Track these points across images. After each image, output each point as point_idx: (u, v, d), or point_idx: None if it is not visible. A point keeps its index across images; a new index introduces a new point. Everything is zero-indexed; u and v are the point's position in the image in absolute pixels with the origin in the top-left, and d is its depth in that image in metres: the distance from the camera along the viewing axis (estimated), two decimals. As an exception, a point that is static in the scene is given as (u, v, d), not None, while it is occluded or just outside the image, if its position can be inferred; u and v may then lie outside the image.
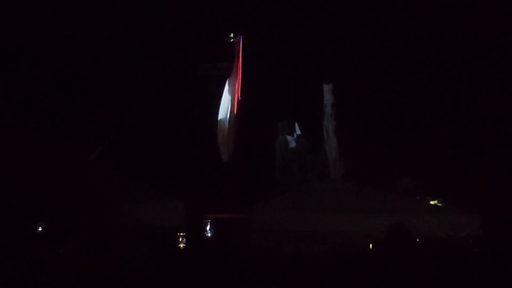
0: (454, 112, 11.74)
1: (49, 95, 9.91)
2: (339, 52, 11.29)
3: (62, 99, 10.13)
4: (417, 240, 6.59)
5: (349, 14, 11.44)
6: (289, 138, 11.52)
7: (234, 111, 9.98)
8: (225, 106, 9.97)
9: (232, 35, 10.64)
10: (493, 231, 5.67)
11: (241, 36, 10.62)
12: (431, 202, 10.93)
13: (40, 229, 5.15)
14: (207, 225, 7.43)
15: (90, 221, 4.29)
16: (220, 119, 9.98)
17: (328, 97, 10.54)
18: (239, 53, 10.45)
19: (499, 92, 11.07)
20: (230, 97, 10.08)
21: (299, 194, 6.37)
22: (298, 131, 11.61)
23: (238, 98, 10.09)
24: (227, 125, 9.88)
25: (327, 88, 10.59)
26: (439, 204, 10.98)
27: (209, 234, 7.31)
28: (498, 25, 10.71)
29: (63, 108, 9.95)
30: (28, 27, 9.13)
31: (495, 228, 5.89)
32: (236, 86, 10.06)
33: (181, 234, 5.40)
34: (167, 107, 11.31)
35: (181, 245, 5.33)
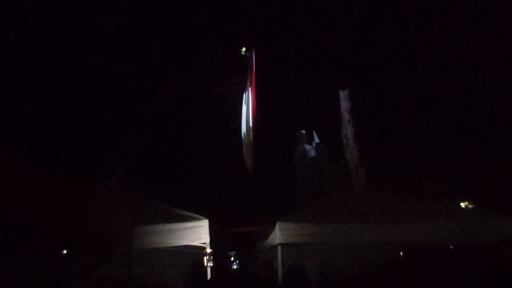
0: (470, 112, 11.45)
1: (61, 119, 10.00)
2: (353, 58, 11.20)
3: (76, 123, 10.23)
4: (451, 247, 6.38)
5: (360, 20, 11.38)
6: (308, 147, 11.39)
7: (251, 124, 9.97)
8: (244, 120, 9.96)
9: (244, 49, 10.66)
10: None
11: (253, 50, 10.63)
12: (462, 204, 10.57)
13: (64, 252, 5.12)
14: (231, 257, 7.37)
15: (114, 247, 4.26)
16: (242, 133, 9.96)
17: (344, 103, 10.40)
18: (252, 66, 10.46)
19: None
20: (248, 111, 10.08)
21: (322, 205, 6.24)
22: (317, 140, 11.48)
23: (254, 111, 10.09)
24: (247, 139, 9.86)
25: (343, 95, 10.46)
26: (470, 206, 10.60)
27: (234, 267, 7.24)
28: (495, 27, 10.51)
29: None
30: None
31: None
32: (252, 100, 10.04)
33: (208, 251, 5.33)
34: (183, 125, 11.38)
35: (209, 264, 5.25)
